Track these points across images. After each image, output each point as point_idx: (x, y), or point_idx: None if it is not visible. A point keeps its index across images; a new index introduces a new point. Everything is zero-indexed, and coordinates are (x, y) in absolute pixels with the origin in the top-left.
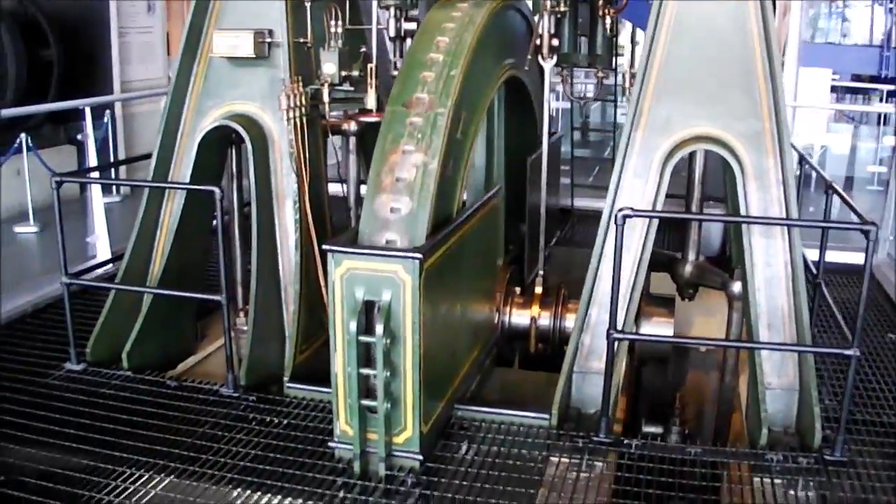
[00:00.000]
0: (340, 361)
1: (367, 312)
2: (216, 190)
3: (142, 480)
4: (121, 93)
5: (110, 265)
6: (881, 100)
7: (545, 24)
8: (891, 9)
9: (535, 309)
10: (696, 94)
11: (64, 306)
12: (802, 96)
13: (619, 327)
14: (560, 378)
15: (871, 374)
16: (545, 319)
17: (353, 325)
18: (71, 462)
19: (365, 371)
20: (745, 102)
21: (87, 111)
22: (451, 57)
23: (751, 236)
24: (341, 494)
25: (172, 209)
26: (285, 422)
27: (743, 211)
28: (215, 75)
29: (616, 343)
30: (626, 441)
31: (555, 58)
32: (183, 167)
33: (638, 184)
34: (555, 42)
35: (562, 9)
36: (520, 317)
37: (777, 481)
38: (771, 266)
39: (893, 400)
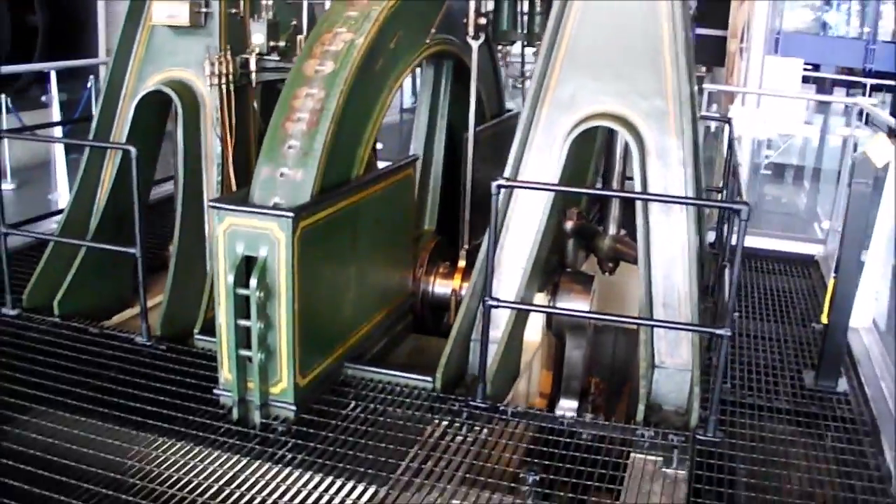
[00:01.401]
0: (222, 312)
1: (248, 267)
2: (131, 149)
3: (41, 415)
4: (107, 57)
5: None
6: (864, 94)
7: (471, 2)
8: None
9: (457, 281)
10: (602, 71)
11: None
12: (770, 85)
13: (514, 297)
14: (448, 343)
15: (783, 359)
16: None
17: (230, 278)
18: None
19: (242, 322)
20: (650, 82)
21: (52, 74)
22: (355, 29)
23: (649, 214)
24: (221, 439)
25: (111, 167)
26: (187, 370)
27: (643, 189)
28: (156, 43)
29: (490, 310)
30: (501, 407)
31: (482, 36)
32: (122, 129)
33: (542, 159)
34: (482, 20)
35: None
36: (442, 287)
37: (650, 457)
38: (669, 245)
39: (792, 386)
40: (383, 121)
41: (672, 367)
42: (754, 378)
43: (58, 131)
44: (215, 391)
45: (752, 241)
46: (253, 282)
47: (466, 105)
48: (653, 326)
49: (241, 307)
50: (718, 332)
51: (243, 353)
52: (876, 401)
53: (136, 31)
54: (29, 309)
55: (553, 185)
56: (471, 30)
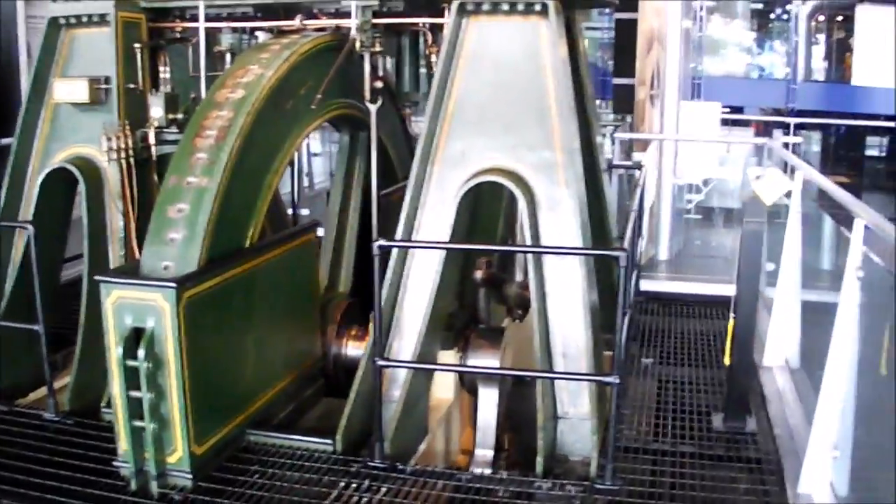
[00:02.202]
0: (115, 385)
1: (138, 338)
2: (28, 227)
3: None
4: None
5: None
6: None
7: (366, 65)
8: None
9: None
10: (490, 126)
11: None
12: (687, 130)
13: (411, 355)
14: (347, 404)
15: (694, 402)
16: None
17: (119, 350)
18: None
19: (134, 393)
20: (537, 134)
21: None
22: (246, 96)
23: (542, 266)
24: None
25: (20, 246)
26: (92, 443)
27: (534, 241)
28: (60, 120)
29: (386, 370)
30: (400, 466)
31: (380, 100)
32: (29, 207)
33: (435, 215)
34: (378, 83)
35: (376, 49)
36: (355, 349)
37: None
38: (564, 296)
39: (700, 428)
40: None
41: (575, 416)
42: (661, 423)
43: None
44: (114, 463)
45: (673, 287)
46: (141, 353)
47: (381, 169)
48: (546, 378)
49: (133, 379)
50: (607, 380)
51: (137, 423)
52: (782, 439)
53: (39, 109)
54: None
55: (433, 242)
56: (367, 93)
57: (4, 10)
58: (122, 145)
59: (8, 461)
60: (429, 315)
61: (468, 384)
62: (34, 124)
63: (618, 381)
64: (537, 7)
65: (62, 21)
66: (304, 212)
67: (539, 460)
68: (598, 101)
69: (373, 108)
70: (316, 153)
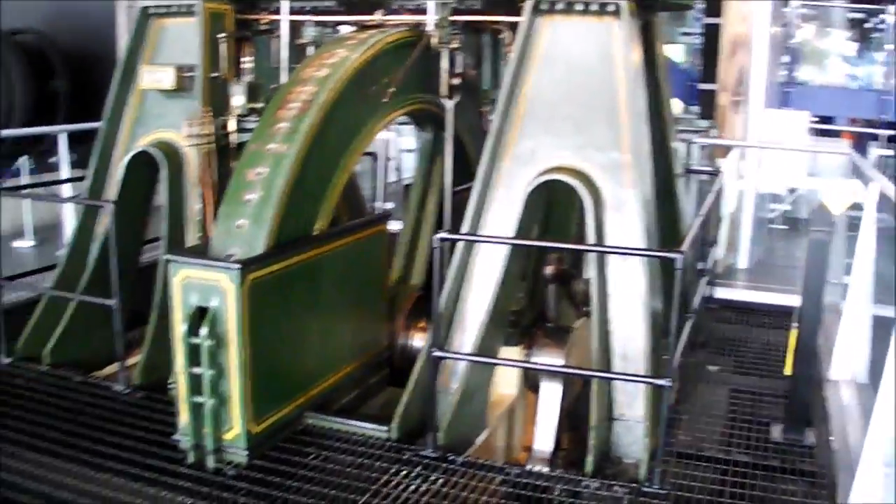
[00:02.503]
0: (178, 361)
1: (202, 317)
2: (109, 204)
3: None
4: None
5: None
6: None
7: (443, 62)
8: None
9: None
10: (560, 125)
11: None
12: (773, 138)
13: (471, 348)
14: (405, 393)
15: (756, 411)
16: None
17: (183, 327)
18: None
19: (195, 370)
20: (606, 134)
21: (61, 137)
22: (330, 74)
23: (605, 266)
24: (172, 481)
25: (104, 224)
26: (157, 416)
27: (598, 241)
28: (146, 106)
29: (446, 361)
30: (451, 457)
31: (457, 97)
32: (112, 187)
33: (503, 212)
34: (455, 80)
35: (454, 46)
36: (421, 341)
37: None
38: (626, 297)
39: (758, 439)
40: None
41: (631, 419)
42: (720, 431)
43: (67, 190)
44: (174, 437)
45: (750, 296)
46: (203, 331)
47: (460, 165)
48: (596, 377)
49: (195, 355)
50: (659, 382)
51: (197, 399)
52: (840, 453)
53: (126, 95)
54: (22, 358)
55: (492, 236)
56: (443, 89)
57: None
58: (203, 132)
59: (75, 428)
60: (490, 310)
61: (531, 381)
62: (122, 109)
63: (669, 384)
64: (610, 8)
65: (152, 11)
66: (390, 205)
67: (589, 459)
68: (688, 107)
69: (449, 104)
70: (409, 149)
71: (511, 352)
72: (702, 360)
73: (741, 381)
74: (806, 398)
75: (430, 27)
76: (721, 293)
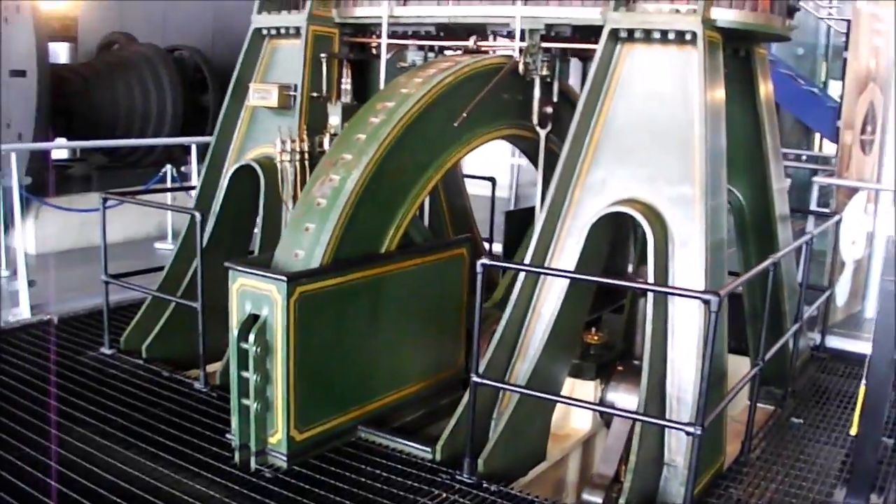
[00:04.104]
0: (231, 364)
1: (254, 323)
2: (196, 213)
3: (92, 435)
4: None
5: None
6: None
7: (535, 90)
8: None
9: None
10: (632, 156)
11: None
12: None
13: (523, 379)
14: (453, 417)
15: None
16: None
17: (235, 333)
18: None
19: (244, 373)
20: (677, 167)
21: (193, 147)
22: (401, 104)
23: (670, 305)
24: (213, 477)
25: (206, 233)
26: (220, 415)
27: (670, 279)
28: (256, 121)
29: (476, 386)
30: (485, 484)
31: (549, 125)
32: (219, 198)
33: (570, 243)
34: (548, 109)
35: (543, 72)
36: None
37: None
38: (685, 338)
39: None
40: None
41: (681, 466)
42: (777, 487)
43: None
44: (227, 435)
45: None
46: (251, 337)
47: None
48: (624, 417)
49: (245, 360)
50: (687, 429)
51: (245, 402)
52: None
53: (238, 111)
54: (124, 351)
55: (534, 266)
56: (535, 118)
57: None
58: (297, 148)
59: (145, 418)
60: (547, 340)
61: (607, 417)
62: (232, 125)
63: (698, 431)
64: (688, 36)
65: (265, 32)
66: None
67: (621, 502)
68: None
69: (542, 132)
70: None
71: (586, 386)
72: (789, 411)
73: (822, 435)
74: (871, 460)
75: (515, 53)
76: (835, 342)
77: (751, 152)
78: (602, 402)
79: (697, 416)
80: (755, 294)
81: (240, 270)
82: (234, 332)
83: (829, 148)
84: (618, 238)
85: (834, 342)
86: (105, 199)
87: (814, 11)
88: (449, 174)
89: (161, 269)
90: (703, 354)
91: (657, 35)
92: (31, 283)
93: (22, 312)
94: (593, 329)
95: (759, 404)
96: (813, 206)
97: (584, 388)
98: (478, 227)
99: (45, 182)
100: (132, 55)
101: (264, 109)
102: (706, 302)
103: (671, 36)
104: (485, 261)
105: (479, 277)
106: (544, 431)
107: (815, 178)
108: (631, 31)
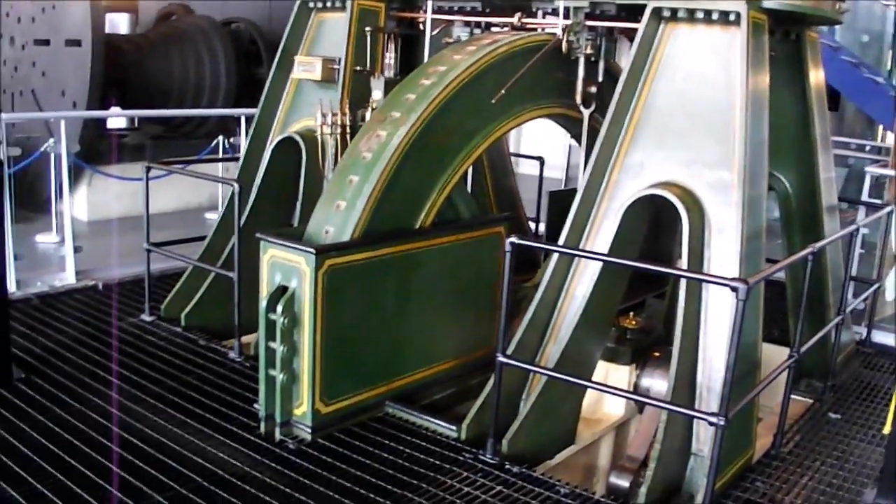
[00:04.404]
0: (260, 334)
1: (283, 294)
2: (234, 184)
3: (125, 399)
4: None
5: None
6: None
7: (579, 69)
8: None
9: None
10: (672, 139)
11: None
12: None
13: (553, 361)
14: (480, 396)
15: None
16: None
17: (263, 304)
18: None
19: (271, 344)
20: (717, 151)
21: (242, 119)
22: (440, 80)
23: (704, 291)
24: (237, 446)
25: (247, 205)
26: (252, 385)
27: (705, 265)
28: (301, 94)
29: (502, 366)
30: (507, 465)
31: (593, 105)
32: (261, 170)
33: (606, 225)
34: (592, 88)
35: (587, 51)
36: None
37: None
38: (719, 327)
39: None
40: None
41: (707, 456)
42: (807, 483)
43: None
44: (255, 405)
45: None
46: (279, 308)
47: None
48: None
49: (273, 331)
50: (709, 419)
51: (272, 372)
52: None
53: (284, 84)
54: (164, 318)
55: (565, 247)
56: (578, 97)
57: None
58: (339, 122)
59: (177, 385)
60: (578, 323)
61: (638, 403)
62: (277, 97)
63: (720, 422)
64: (732, 17)
65: (311, 5)
66: None
67: (642, 490)
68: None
69: (586, 112)
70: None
71: (620, 371)
72: (828, 405)
73: (858, 432)
74: None
75: (558, 31)
76: (882, 338)
77: (798, 139)
78: (636, 388)
79: (722, 407)
80: (798, 284)
81: (270, 241)
82: (263, 302)
83: (892, 138)
84: (663, 221)
85: (880, 337)
86: (148, 169)
87: None
88: (495, 153)
89: (203, 238)
90: (730, 343)
91: (700, 15)
92: (77, 249)
93: (67, 278)
94: (631, 313)
95: (798, 397)
96: (865, 197)
97: (619, 373)
98: (524, 207)
99: (97, 150)
100: (187, 27)
101: (309, 82)
102: (734, 289)
103: (715, 16)
104: (514, 239)
105: (508, 256)
106: (574, 415)
107: (868, 168)
108: (674, 11)
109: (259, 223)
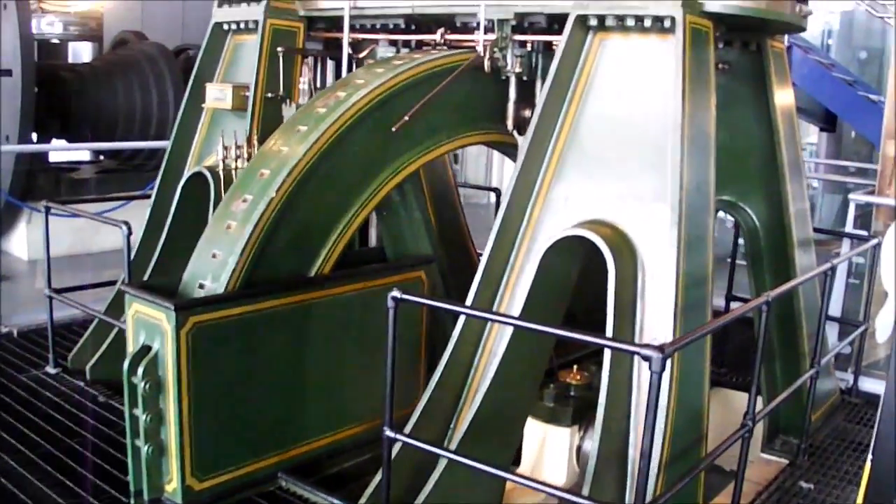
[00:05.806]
0: (125, 400)
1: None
2: (122, 226)
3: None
4: None
5: None
6: None
7: (510, 90)
8: None
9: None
10: (599, 169)
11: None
12: None
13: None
14: (379, 471)
15: None
16: None
17: (125, 365)
18: None
19: (135, 412)
20: (649, 182)
21: None
22: (332, 112)
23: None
24: None
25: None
26: None
27: (637, 318)
28: (216, 124)
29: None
30: None
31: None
32: (172, 208)
33: (528, 269)
34: (527, 112)
35: (517, 69)
36: None
37: None
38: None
39: None
40: None
41: None
42: None
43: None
44: (127, 478)
45: None
46: (139, 371)
47: None
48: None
49: (135, 397)
50: None
51: (137, 443)
52: None
53: (198, 112)
54: (69, 370)
55: (453, 304)
56: (510, 123)
57: None
58: (244, 154)
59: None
60: (496, 383)
61: (581, 465)
62: (191, 127)
63: None
64: (667, 24)
65: (226, 27)
66: None
67: None
68: None
69: (520, 139)
70: None
71: (560, 433)
72: (800, 471)
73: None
74: None
75: (478, 47)
76: (871, 385)
77: (765, 165)
78: (579, 451)
79: (638, 499)
80: (767, 331)
81: (133, 295)
82: (125, 364)
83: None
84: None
85: (868, 385)
86: (48, 209)
87: (874, 11)
88: (439, 184)
89: (113, 283)
90: (645, 424)
91: (632, 22)
92: None
93: None
94: (575, 367)
95: (772, 457)
96: (849, 228)
97: (559, 436)
98: (474, 243)
99: (36, 185)
100: (135, 54)
101: (223, 111)
102: (646, 358)
103: (647, 23)
104: (396, 294)
105: (391, 314)
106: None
107: (852, 196)
108: (602, 18)
109: (171, 268)
